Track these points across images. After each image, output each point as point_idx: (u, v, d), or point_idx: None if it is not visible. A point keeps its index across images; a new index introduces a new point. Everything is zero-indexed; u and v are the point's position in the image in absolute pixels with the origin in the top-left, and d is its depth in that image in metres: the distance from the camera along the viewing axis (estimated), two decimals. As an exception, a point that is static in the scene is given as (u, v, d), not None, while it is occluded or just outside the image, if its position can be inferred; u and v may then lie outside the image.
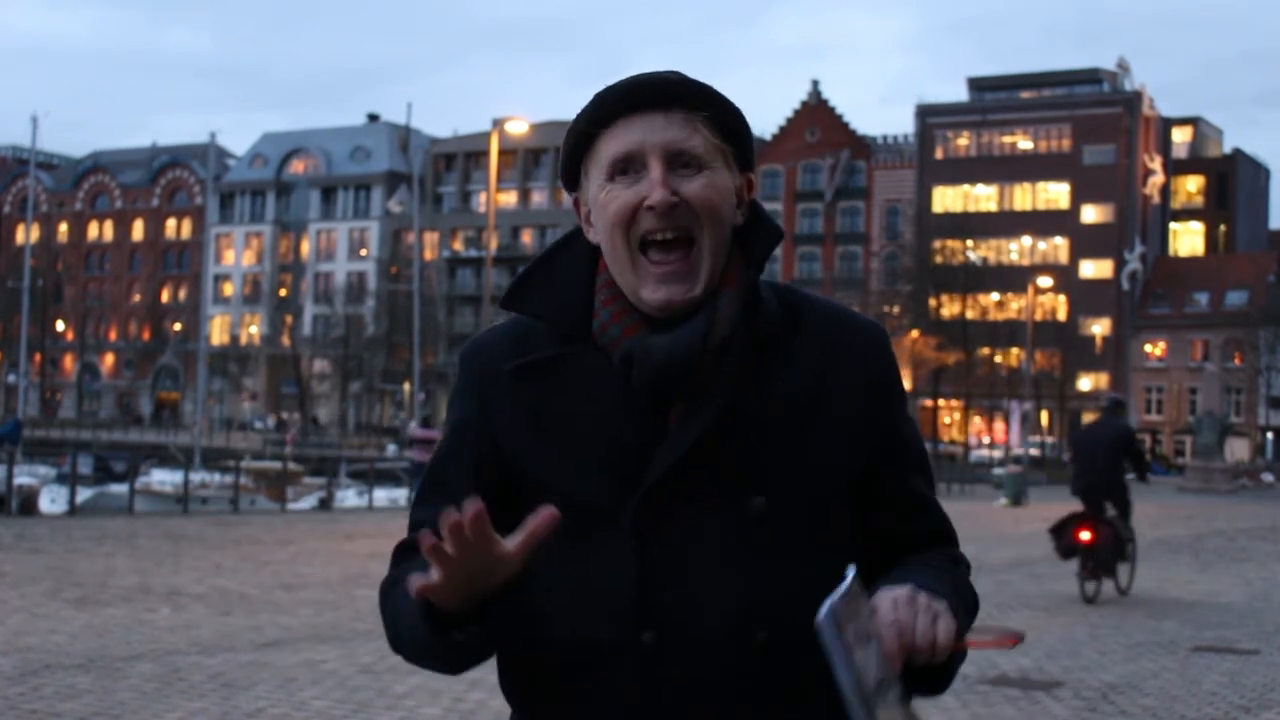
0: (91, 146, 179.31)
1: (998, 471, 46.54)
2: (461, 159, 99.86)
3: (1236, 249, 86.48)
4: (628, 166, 1.71)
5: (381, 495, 31.78)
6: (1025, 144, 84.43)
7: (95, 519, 21.87)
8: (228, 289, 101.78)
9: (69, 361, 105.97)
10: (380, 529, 20.39)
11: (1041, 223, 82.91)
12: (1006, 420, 77.56)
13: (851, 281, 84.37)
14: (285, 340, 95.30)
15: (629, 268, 1.71)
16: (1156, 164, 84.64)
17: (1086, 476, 13.41)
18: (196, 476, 31.65)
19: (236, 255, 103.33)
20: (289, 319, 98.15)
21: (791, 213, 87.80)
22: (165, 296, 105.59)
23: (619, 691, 1.67)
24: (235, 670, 8.12)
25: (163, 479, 33.47)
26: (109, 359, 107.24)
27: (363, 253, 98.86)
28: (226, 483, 30.97)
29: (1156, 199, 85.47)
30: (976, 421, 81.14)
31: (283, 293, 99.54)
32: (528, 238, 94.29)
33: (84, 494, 27.33)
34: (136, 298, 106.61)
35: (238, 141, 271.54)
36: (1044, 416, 76.99)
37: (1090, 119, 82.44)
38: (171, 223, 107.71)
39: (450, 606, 1.58)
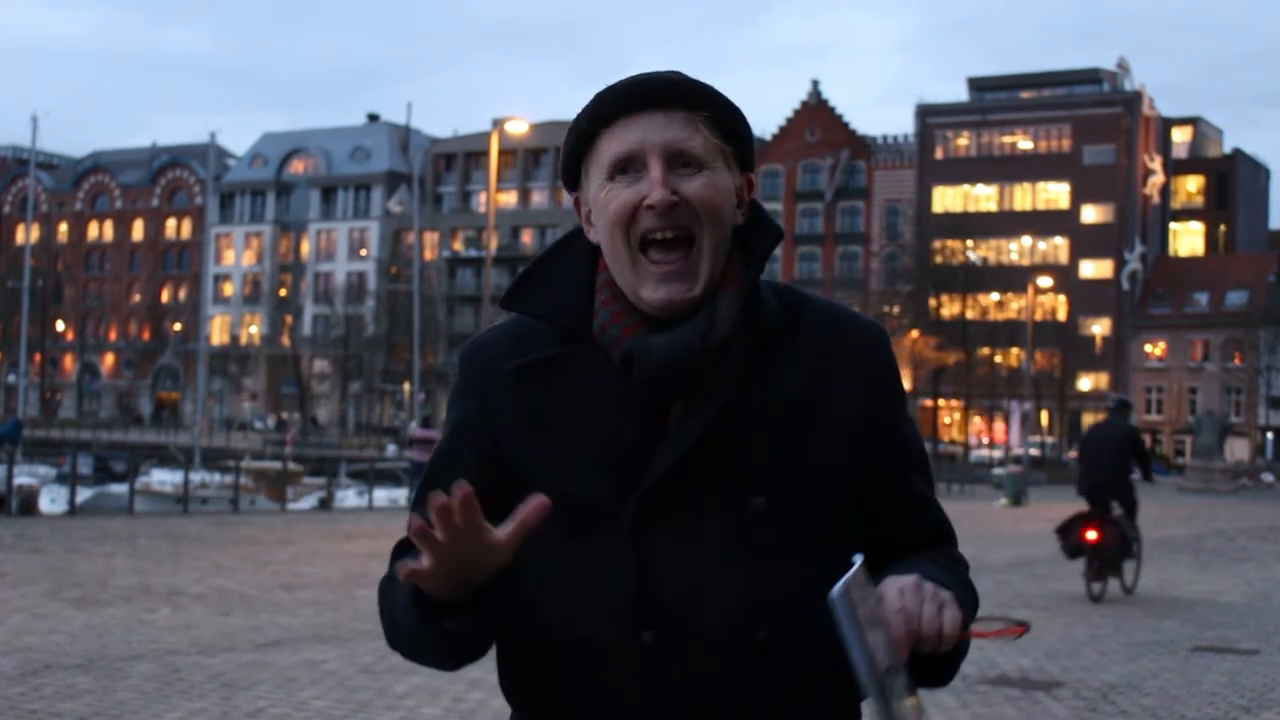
0: (91, 146, 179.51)
1: (998, 471, 46.52)
2: (461, 159, 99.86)
3: (1236, 249, 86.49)
4: (628, 166, 1.71)
5: (381, 495, 31.79)
6: (1025, 144, 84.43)
7: (95, 519, 21.87)
8: (228, 289, 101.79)
9: (69, 361, 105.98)
10: (380, 529, 20.39)
11: (1041, 223, 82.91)
12: (1006, 420, 77.56)
13: (851, 281, 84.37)
14: (285, 340, 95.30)
15: (629, 267, 1.72)
16: (1156, 164, 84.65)
17: (1093, 476, 13.48)
18: (196, 476, 31.65)
19: (236, 255, 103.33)
20: (289, 319, 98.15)
21: (791, 213, 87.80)
22: (165, 296, 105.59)
23: (619, 691, 1.67)
24: (235, 670, 8.12)
25: (163, 479, 33.48)
26: (109, 359, 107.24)
27: (363, 253, 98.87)
28: (226, 483, 30.97)
29: (1156, 199, 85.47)
30: (976, 421, 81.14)
31: (283, 293, 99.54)
32: (528, 238, 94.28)
33: (84, 494, 27.33)
34: (136, 298, 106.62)
35: (238, 141, 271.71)
36: (1044, 416, 77.00)
37: (1090, 119, 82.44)
38: (171, 223, 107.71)
39: (441, 595, 1.59)
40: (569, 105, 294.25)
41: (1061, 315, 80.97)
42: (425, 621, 1.61)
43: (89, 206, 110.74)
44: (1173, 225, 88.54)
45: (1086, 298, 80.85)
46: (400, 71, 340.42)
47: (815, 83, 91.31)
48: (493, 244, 60.94)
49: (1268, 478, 59.35)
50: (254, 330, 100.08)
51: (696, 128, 1.71)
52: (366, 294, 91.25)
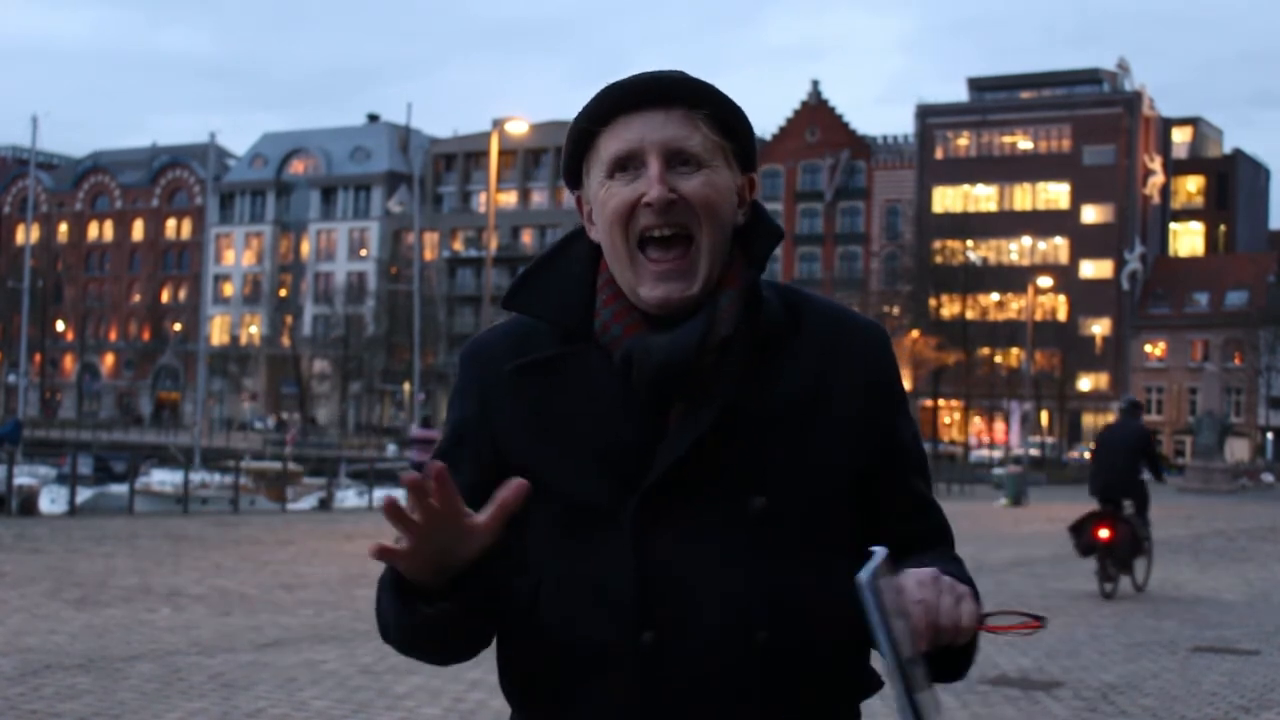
0: (91, 146, 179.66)
1: (998, 472, 46.54)
2: (461, 159, 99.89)
3: (1236, 249, 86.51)
4: (627, 164, 1.71)
5: (381, 495, 31.64)
6: (1025, 144, 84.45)
7: (95, 519, 21.87)
8: (228, 289, 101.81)
9: (69, 361, 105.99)
10: (380, 529, 20.39)
11: (1041, 223, 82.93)
12: (1006, 420, 77.59)
13: (851, 281, 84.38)
14: (285, 340, 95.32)
15: (628, 265, 1.72)
16: (1156, 164, 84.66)
17: (1104, 476, 13.67)
18: (196, 477, 31.66)
19: (236, 255, 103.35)
20: (289, 319, 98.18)
21: (791, 213, 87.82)
22: (165, 296, 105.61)
23: (619, 691, 1.67)
24: (235, 670, 8.12)
25: (163, 479, 33.48)
26: (109, 359, 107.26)
27: (363, 253, 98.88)
28: (226, 483, 30.99)
29: (1156, 199, 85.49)
30: (976, 421, 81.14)
31: (283, 293, 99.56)
32: (528, 238, 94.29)
33: (84, 494, 27.35)
34: (136, 298, 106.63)
35: (238, 141, 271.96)
36: (1044, 417, 77.00)
37: (1090, 119, 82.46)
38: (171, 223, 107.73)
39: (422, 579, 1.59)
40: (569, 105, 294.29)
41: (1061, 315, 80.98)
42: (403, 605, 1.62)
43: (89, 206, 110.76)
44: (1173, 225, 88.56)
45: (1086, 298, 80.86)
46: (400, 71, 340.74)
47: (815, 83, 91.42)
48: (493, 244, 60.92)
49: (1268, 478, 59.35)
50: (254, 330, 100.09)
51: (696, 126, 1.71)
52: (366, 294, 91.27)
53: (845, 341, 1.77)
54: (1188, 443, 59.38)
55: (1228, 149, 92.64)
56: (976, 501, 37.85)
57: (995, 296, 78.15)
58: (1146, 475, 13.78)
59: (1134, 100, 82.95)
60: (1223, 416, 59.79)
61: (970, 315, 75.91)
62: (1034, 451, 68.65)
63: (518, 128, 40.28)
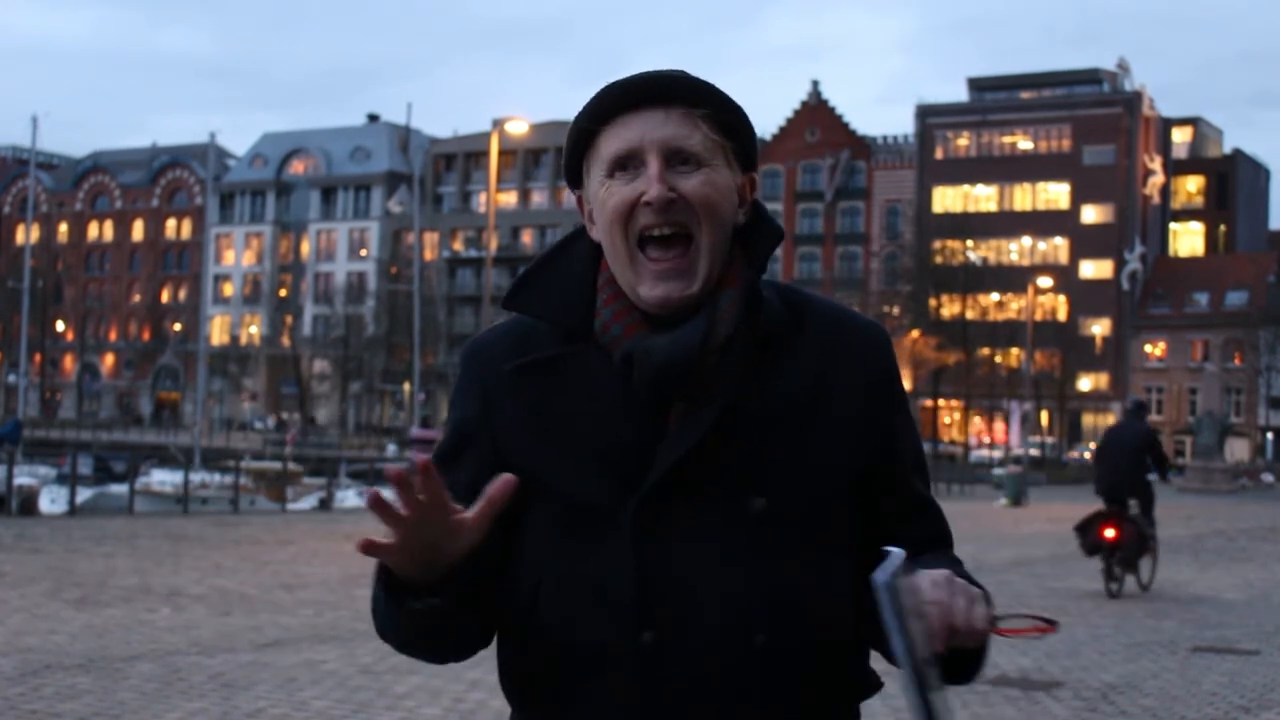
0: (91, 146, 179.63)
1: (998, 472, 46.57)
2: (461, 159, 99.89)
3: (1236, 249, 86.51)
4: (627, 163, 1.71)
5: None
6: (1025, 144, 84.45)
7: (95, 519, 21.87)
8: (228, 289, 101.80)
9: (69, 361, 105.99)
10: (380, 529, 20.34)
11: (1041, 223, 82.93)
12: (1006, 420, 77.59)
13: (851, 282, 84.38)
14: (285, 340, 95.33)
15: (628, 265, 1.71)
16: (1156, 164, 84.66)
17: (1110, 476, 13.81)
18: (196, 477, 31.67)
19: (236, 255, 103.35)
20: (289, 319, 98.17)
21: (791, 213, 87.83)
22: (165, 296, 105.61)
23: (619, 691, 1.67)
24: (235, 670, 8.12)
25: (163, 479, 33.49)
26: (109, 359, 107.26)
27: (363, 253, 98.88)
28: (226, 483, 31.00)
29: (1156, 199, 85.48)
30: (976, 421, 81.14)
31: (283, 293, 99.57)
32: (528, 238, 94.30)
33: (84, 494, 27.36)
34: (136, 298, 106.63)
35: (238, 141, 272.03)
36: (1044, 417, 77.01)
37: (1090, 119, 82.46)
38: (171, 223, 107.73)
39: (411, 575, 1.60)
40: (569, 105, 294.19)
41: (1061, 315, 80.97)
42: (392, 600, 1.63)
43: (89, 206, 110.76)
44: (1173, 225, 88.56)
45: (1086, 298, 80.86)
46: (400, 71, 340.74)
47: (815, 83, 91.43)
48: (493, 244, 60.95)
49: (1268, 478, 59.35)
50: (254, 330, 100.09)
51: (696, 125, 1.71)
52: (366, 294, 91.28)
53: (845, 341, 1.77)
54: (1188, 443, 59.40)
55: (1228, 149, 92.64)
56: (976, 501, 37.85)
57: (995, 296, 78.16)
58: (1153, 475, 13.90)
59: (1134, 100, 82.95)
60: (1223, 416, 59.78)
61: (970, 315, 75.92)
62: (1034, 451, 68.65)
63: (518, 128, 40.27)
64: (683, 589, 1.66)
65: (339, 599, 11.71)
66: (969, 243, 76.76)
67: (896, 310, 76.91)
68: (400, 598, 1.63)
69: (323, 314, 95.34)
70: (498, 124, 45.01)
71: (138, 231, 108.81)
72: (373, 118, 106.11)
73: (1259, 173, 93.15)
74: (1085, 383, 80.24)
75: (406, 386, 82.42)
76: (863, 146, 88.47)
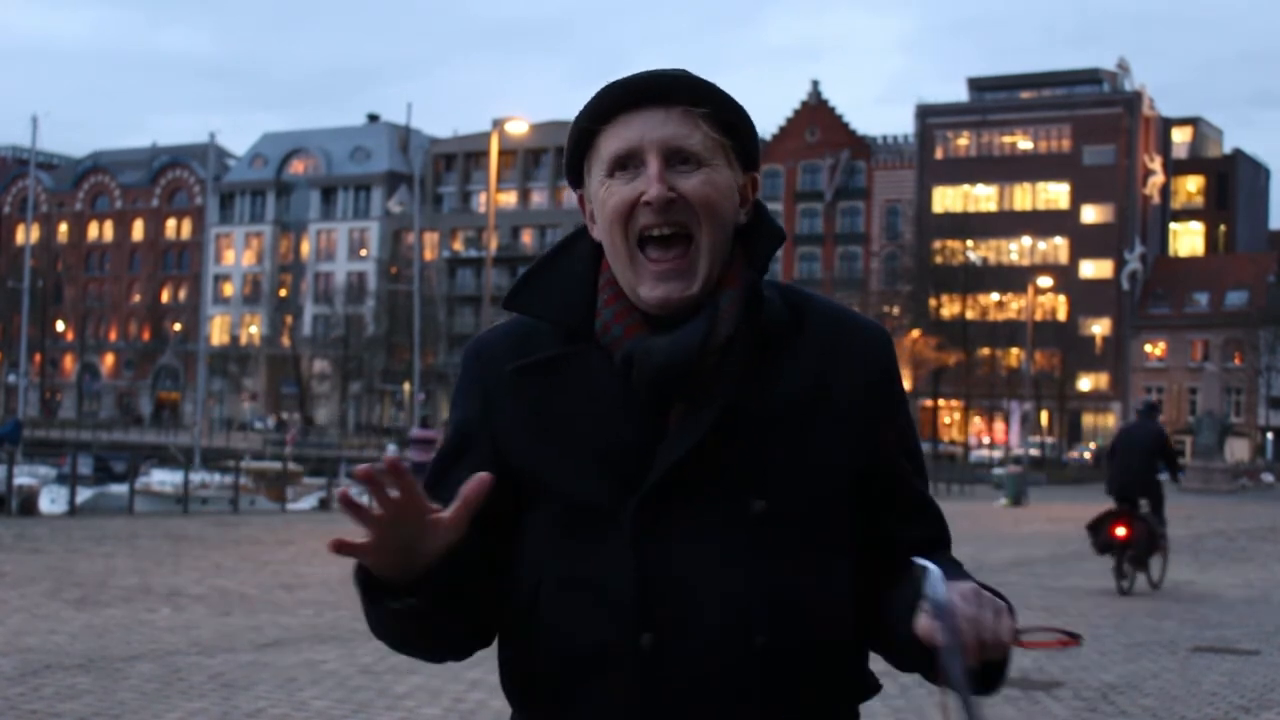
0: (91, 146, 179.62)
1: (998, 472, 46.56)
2: (461, 159, 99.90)
3: (1236, 249, 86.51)
4: (627, 162, 1.71)
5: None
6: (1025, 144, 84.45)
7: (95, 519, 21.87)
8: (228, 289, 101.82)
9: (69, 361, 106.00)
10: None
11: (1041, 223, 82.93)
12: (1006, 420, 77.58)
13: (851, 282, 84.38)
14: (285, 340, 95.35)
15: (628, 265, 1.71)
16: (1156, 164, 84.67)
17: (1122, 476, 14.02)
18: (196, 477, 31.66)
19: (236, 255, 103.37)
20: (289, 319, 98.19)
21: (791, 213, 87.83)
22: (165, 296, 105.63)
23: (618, 692, 1.67)
24: (235, 670, 8.12)
25: (163, 479, 33.48)
26: (109, 359, 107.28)
27: (363, 253, 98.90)
28: (226, 483, 30.99)
29: (1156, 199, 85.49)
30: (976, 421, 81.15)
31: (283, 293, 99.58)
32: (528, 238, 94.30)
33: (84, 494, 27.36)
34: (136, 298, 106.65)
35: (238, 141, 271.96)
36: (1044, 417, 77.00)
37: (1090, 119, 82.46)
38: (171, 223, 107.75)
39: (389, 575, 1.60)
40: (569, 105, 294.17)
41: (1061, 315, 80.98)
42: (369, 600, 1.63)
43: (89, 206, 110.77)
44: (1173, 225, 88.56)
45: (1086, 298, 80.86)
46: (400, 71, 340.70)
47: (815, 83, 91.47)
48: (493, 244, 60.94)
49: (1268, 478, 59.35)
50: (254, 330, 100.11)
51: (696, 125, 1.70)
52: (366, 294, 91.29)
53: (846, 341, 1.77)
54: (1188, 443, 59.39)
55: (1228, 149, 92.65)
56: (976, 501, 37.85)
57: (995, 296, 78.16)
58: (1163, 475, 14.17)
59: (1134, 100, 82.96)
60: (1223, 416, 59.78)
61: (970, 315, 75.92)
62: (1034, 451, 68.65)
63: (518, 128, 40.27)
64: (683, 589, 1.66)
65: (339, 599, 11.70)
66: (969, 243, 76.77)
67: (896, 310, 76.92)
68: (379, 597, 1.63)
69: (323, 314, 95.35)
70: (498, 124, 45.01)
71: (138, 231, 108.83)
72: (373, 118, 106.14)
73: (1259, 173, 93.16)
74: (1085, 383, 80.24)
75: (406, 386, 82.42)
76: (863, 146, 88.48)
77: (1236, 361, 77.63)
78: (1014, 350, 74.68)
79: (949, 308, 76.43)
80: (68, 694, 7.32)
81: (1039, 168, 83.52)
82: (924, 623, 1.57)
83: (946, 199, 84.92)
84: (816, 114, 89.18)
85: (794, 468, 1.70)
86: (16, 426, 36.79)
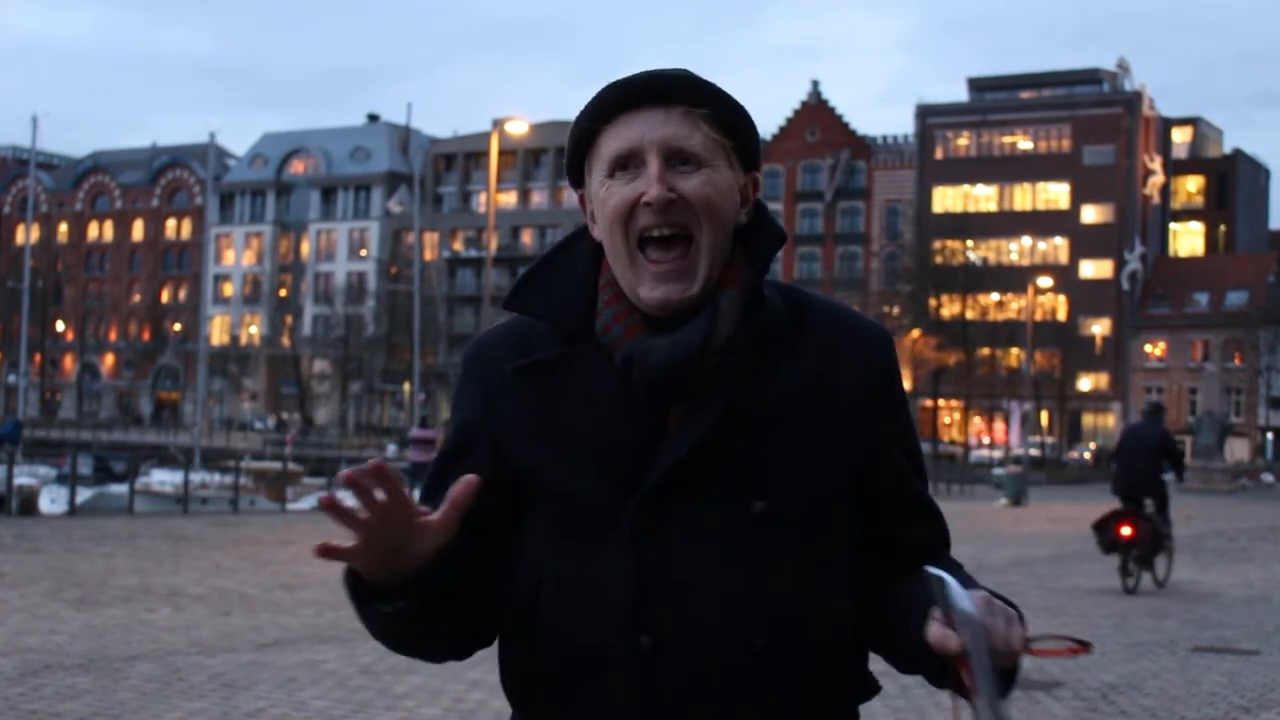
0: (91, 146, 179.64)
1: (998, 472, 46.55)
2: (461, 159, 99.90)
3: (1236, 249, 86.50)
4: (628, 162, 1.70)
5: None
6: (1025, 144, 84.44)
7: (95, 519, 21.87)
8: (228, 289, 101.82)
9: (69, 361, 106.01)
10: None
11: (1041, 223, 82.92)
12: (1006, 420, 77.57)
13: (851, 282, 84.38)
14: (285, 340, 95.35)
15: (628, 266, 1.71)
16: (1156, 164, 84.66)
17: (1127, 476, 14.22)
18: (196, 477, 31.65)
19: (236, 255, 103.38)
20: (289, 319, 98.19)
21: (791, 213, 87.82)
22: (165, 296, 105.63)
23: (618, 693, 1.67)
24: (235, 670, 8.12)
25: (163, 479, 33.45)
26: (109, 359, 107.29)
27: (363, 253, 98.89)
28: (226, 483, 30.97)
29: (1156, 199, 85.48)
30: (976, 421, 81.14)
31: (283, 293, 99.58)
32: (528, 238, 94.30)
33: (84, 494, 27.35)
34: (136, 298, 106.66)
35: (238, 141, 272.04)
36: (1044, 417, 77.00)
37: (1090, 119, 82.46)
38: (171, 223, 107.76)
39: (379, 578, 1.60)
40: (569, 105, 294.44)
41: (1061, 315, 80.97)
42: (359, 603, 1.63)
43: (89, 206, 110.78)
44: (1173, 225, 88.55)
45: (1086, 298, 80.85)
46: (400, 71, 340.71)
47: (815, 83, 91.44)
48: (493, 244, 60.91)
49: (1268, 478, 59.34)
50: (254, 330, 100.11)
51: (697, 125, 1.70)
52: (366, 294, 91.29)
53: (847, 341, 1.77)
54: (1188, 443, 59.42)
55: (1228, 149, 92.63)
56: (976, 501, 37.85)
57: (995, 296, 78.16)
58: (1169, 475, 14.33)
59: (1134, 100, 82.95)
60: (1223, 416, 59.75)
61: (970, 315, 75.91)
62: (1034, 451, 68.63)
63: (518, 128, 40.26)
64: (682, 590, 1.66)
65: (339, 599, 11.67)
66: (969, 243, 76.75)
67: (896, 310, 76.89)
68: (368, 600, 1.63)
69: (323, 314, 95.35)
70: (498, 124, 45.00)
71: (138, 231, 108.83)
72: (373, 118, 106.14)
73: (1259, 173, 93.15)
74: (1085, 383, 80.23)
75: (406, 386, 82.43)
76: (863, 146, 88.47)
77: (1236, 361, 77.63)
78: (1014, 350, 74.68)
79: (949, 308, 76.42)
80: (68, 694, 7.32)
81: (1039, 168, 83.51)
82: (936, 631, 1.56)
83: (946, 199, 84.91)
84: (816, 114, 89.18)
85: (794, 468, 1.70)
86: (16, 426, 36.78)
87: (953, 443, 76.79)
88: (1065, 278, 79.72)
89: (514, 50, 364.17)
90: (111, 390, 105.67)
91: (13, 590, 11.70)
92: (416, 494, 1.72)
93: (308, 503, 31.38)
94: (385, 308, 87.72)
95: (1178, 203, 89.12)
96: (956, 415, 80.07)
